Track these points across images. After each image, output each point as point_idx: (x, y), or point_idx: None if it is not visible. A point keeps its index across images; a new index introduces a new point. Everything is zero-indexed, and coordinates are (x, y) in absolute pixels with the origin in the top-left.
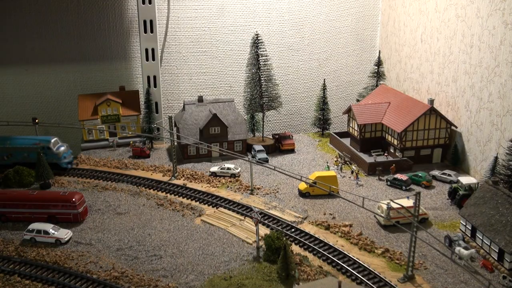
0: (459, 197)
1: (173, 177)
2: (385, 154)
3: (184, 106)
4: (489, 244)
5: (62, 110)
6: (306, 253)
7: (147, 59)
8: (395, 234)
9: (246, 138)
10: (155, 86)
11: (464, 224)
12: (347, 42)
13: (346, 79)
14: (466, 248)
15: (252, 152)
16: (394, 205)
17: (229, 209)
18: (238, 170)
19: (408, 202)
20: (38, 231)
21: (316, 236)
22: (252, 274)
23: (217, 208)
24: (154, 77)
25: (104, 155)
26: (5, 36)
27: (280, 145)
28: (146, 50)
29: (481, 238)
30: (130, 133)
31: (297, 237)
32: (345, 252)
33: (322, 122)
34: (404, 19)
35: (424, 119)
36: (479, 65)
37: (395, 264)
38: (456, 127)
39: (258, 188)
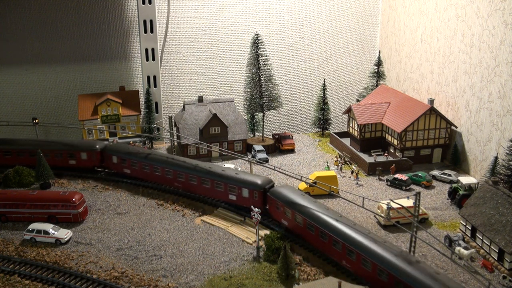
0: (459, 197)
1: None
2: (385, 154)
3: (184, 106)
4: (489, 244)
5: (62, 110)
6: (306, 253)
7: (147, 59)
8: (395, 234)
9: (246, 138)
10: (155, 86)
11: (464, 224)
12: (347, 42)
13: (346, 79)
14: (466, 248)
15: (252, 152)
16: (394, 205)
17: (229, 210)
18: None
19: (408, 202)
20: (38, 231)
21: None
22: (252, 274)
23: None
24: (154, 77)
25: None
26: (5, 36)
27: (280, 145)
28: (146, 50)
29: (481, 238)
30: (130, 133)
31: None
32: None
33: (322, 122)
34: (404, 19)
35: (424, 119)
36: (479, 65)
37: None
38: (456, 127)
39: None
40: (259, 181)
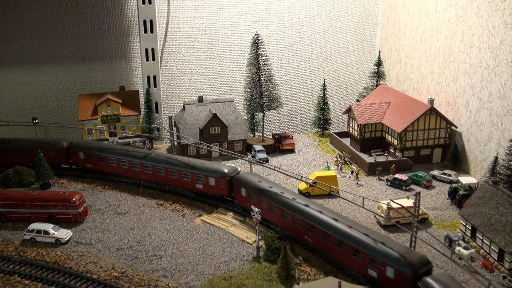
0: (459, 197)
1: None
2: (385, 154)
3: (184, 106)
4: (489, 244)
5: (62, 110)
6: (306, 253)
7: (147, 59)
8: (395, 234)
9: (246, 138)
10: (155, 86)
11: (464, 224)
12: (347, 42)
13: (346, 79)
14: (466, 248)
15: (252, 152)
16: (394, 205)
17: (229, 209)
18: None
19: (408, 202)
20: (38, 231)
21: None
22: (252, 274)
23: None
24: (154, 77)
25: None
26: (5, 36)
27: (280, 145)
28: (146, 50)
29: (481, 238)
30: (130, 133)
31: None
32: None
33: (322, 122)
34: (404, 19)
35: (424, 119)
36: (479, 65)
37: None
38: (456, 127)
39: None
40: (414, 260)
